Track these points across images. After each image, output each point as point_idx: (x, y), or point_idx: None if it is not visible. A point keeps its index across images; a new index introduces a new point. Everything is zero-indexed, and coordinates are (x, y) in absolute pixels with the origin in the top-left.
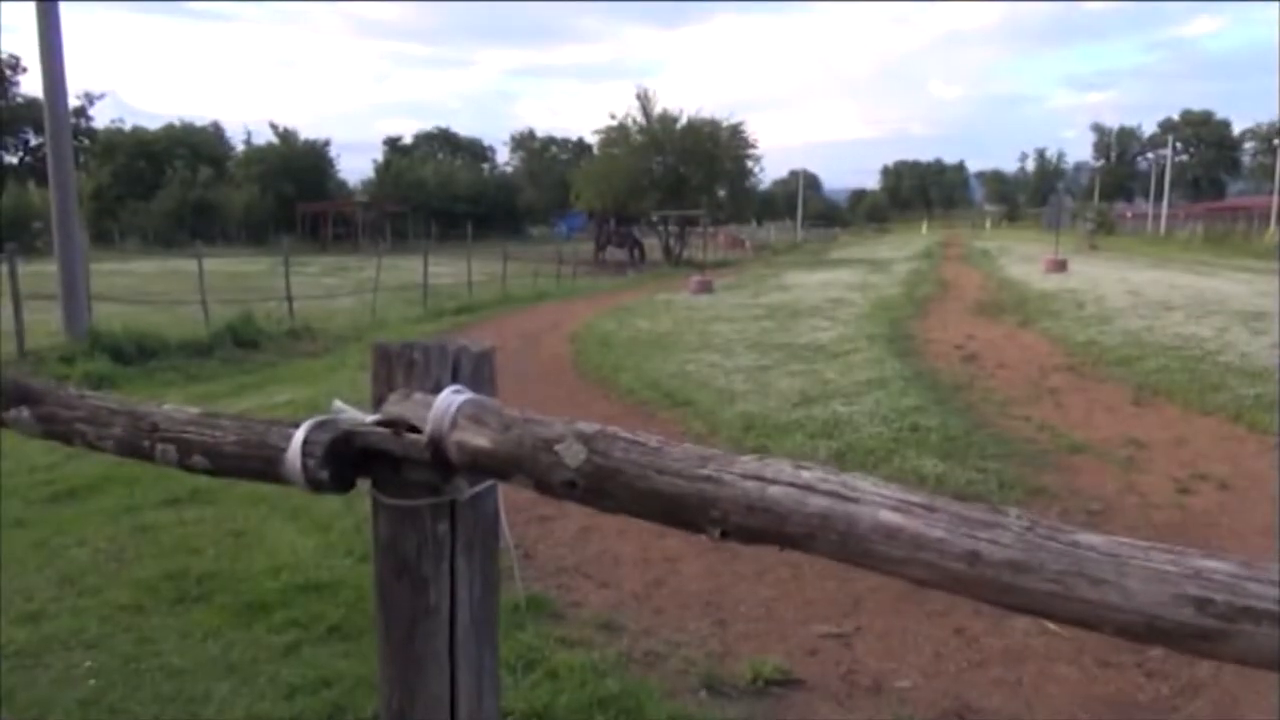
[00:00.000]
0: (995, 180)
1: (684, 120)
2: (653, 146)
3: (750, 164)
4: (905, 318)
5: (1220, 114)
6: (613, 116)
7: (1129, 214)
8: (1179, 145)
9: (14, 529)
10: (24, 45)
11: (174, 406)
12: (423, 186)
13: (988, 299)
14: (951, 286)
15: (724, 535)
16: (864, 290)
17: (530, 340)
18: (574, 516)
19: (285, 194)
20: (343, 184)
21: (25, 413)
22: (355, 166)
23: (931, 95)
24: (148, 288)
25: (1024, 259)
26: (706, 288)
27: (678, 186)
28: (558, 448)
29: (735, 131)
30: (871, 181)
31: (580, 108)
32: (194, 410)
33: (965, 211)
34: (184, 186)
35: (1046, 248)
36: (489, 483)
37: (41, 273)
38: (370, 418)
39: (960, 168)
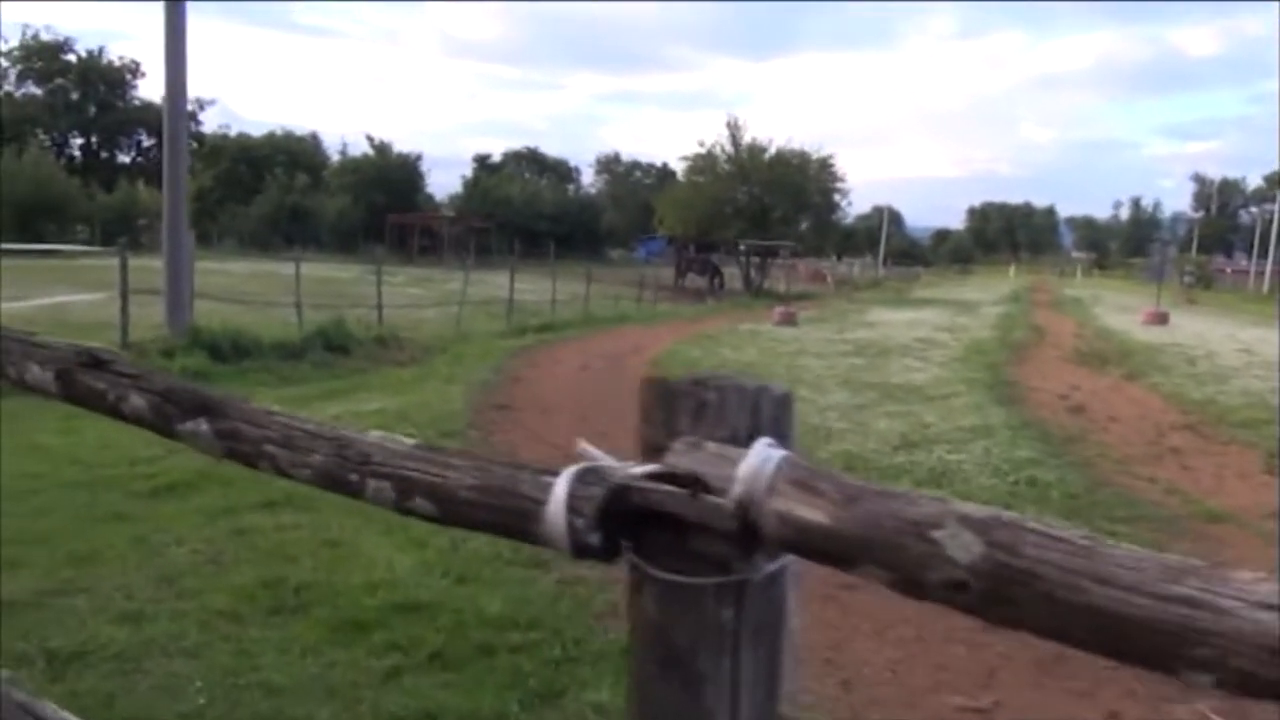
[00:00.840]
0: (1086, 226)
1: (772, 150)
2: (739, 175)
3: (837, 198)
4: (1001, 363)
5: None
6: (701, 144)
7: (1228, 269)
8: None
9: (114, 522)
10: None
11: (384, 435)
12: (509, 204)
13: (1087, 348)
14: (1046, 333)
15: (1219, 685)
16: (954, 332)
17: (614, 362)
18: None
19: (376, 204)
20: (430, 198)
21: (204, 426)
22: (442, 181)
23: (1021, 137)
24: (242, 288)
25: (1119, 309)
26: (790, 319)
27: (761, 217)
28: (936, 534)
29: (824, 164)
30: (955, 221)
31: (665, 134)
32: (410, 442)
33: (1052, 257)
34: (281, 192)
35: (1141, 299)
36: (786, 559)
37: (146, 267)
38: (641, 469)
39: (1050, 211)
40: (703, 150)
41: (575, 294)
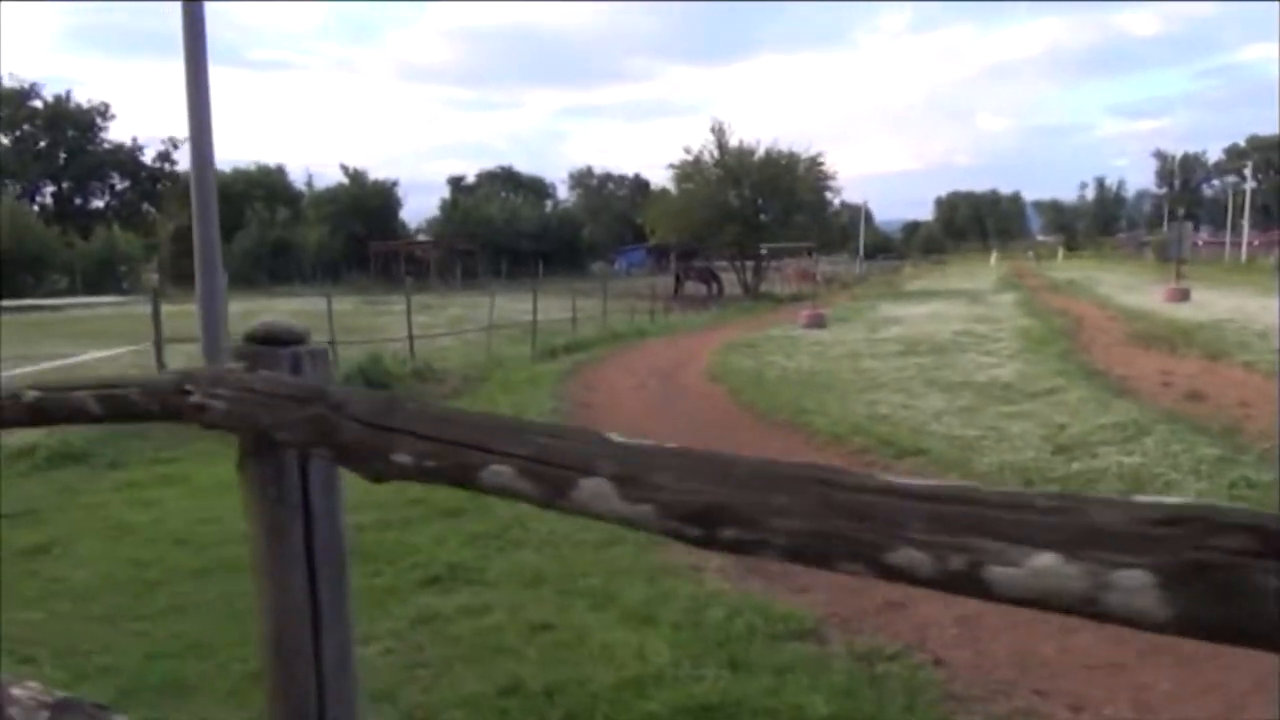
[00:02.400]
0: (1053, 209)
1: (761, 152)
2: (730, 179)
3: (829, 195)
4: (1069, 351)
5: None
6: (687, 150)
7: (1199, 242)
8: (1245, 172)
9: None
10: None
11: None
12: (490, 224)
13: (1139, 331)
14: (1078, 318)
15: None
16: (987, 323)
17: (666, 379)
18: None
19: (355, 233)
20: (403, 224)
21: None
22: (413, 207)
23: (977, 126)
24: (243, 328)
25: (1124, 289)
26: (819, 322)
27: (755, 220)
28: None
29: (814, 163)
30: (922, 212)
31: (629, 145)
32: None
33: (1021, 242)
34: (262, 227)
35: (1132, 278)
36: None
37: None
38: None
39: (1016, 197)
40: (690, 157)
41: (579, 310)
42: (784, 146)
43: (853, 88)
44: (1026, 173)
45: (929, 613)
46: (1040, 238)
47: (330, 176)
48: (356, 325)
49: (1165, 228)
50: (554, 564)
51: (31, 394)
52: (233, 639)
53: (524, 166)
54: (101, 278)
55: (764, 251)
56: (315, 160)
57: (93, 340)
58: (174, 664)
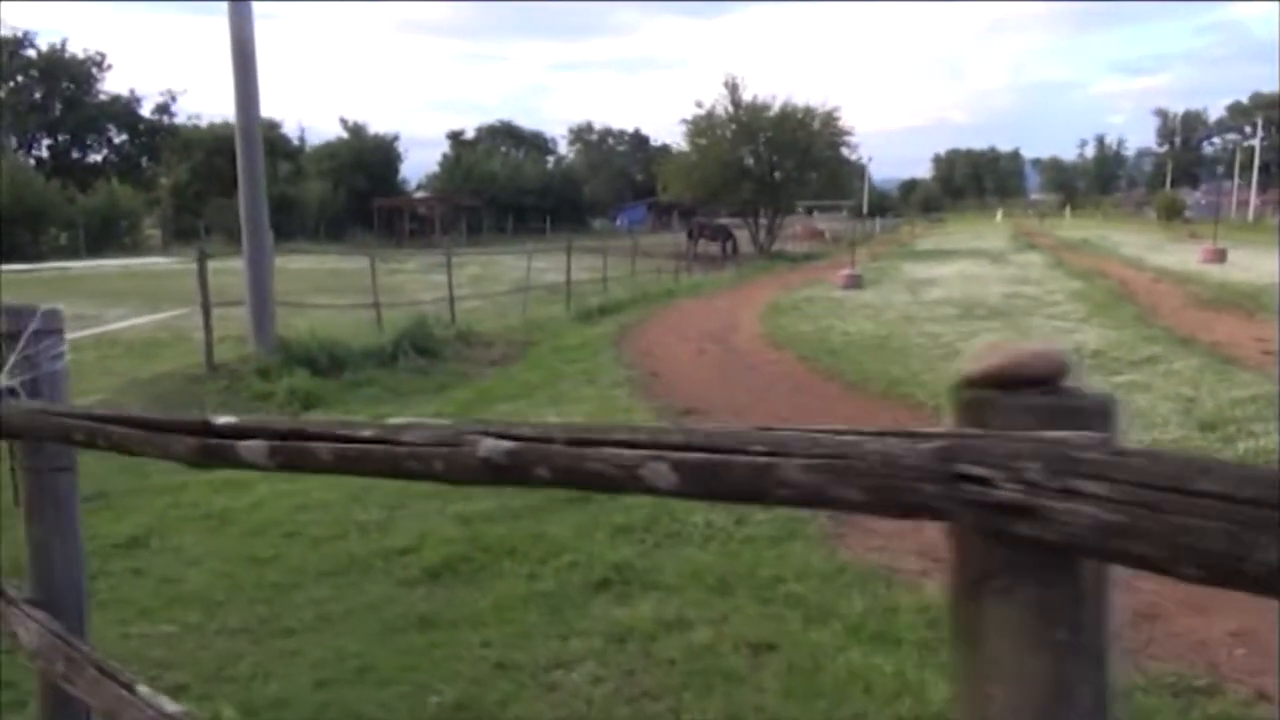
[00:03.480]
0: (1053, 168)
1: (776, 108)
2: (744, 136)
3: (846, 151)
4: (1139, 316)
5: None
6: (699, 105)
7: (1203, 201)
8: (1248, 129)
9: (425, 631)
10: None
11: None
12: (494, 180)
13: (1197, 295)
14: (1121, 280)
15: None
16: (1031, 284)
17: (724, 344)
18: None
19: (356, 189)
20: (403, 180)
21: None
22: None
23: (973, 83)
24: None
25: (1148, 249)
26: (857, 282)
27: (770, 177)
28: None
29: (829, 118)
30: (917, 170)
31: (619, 100)
32: None
33: (1019, 200)
34: (265, 182)
35: (1145, 238)
36: None
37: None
38: None
39: (1015, 155)
40: (702, 111)
41: (594, 269)
42: (798, 101)
43: (846, 42)
44: (1023, 130)
45: (1192, 626)
46: (1036, 196)
47: (321, 132)
48: (367, 286)
49: (1168, 186)
50: (730, 563)
51: (499, 445)
52: (402, 661)
53: (516, 121)
54: (104, 234)
55: (808, 210)
56: (305, 115)
57: (115, 300)
58: (350, 693)
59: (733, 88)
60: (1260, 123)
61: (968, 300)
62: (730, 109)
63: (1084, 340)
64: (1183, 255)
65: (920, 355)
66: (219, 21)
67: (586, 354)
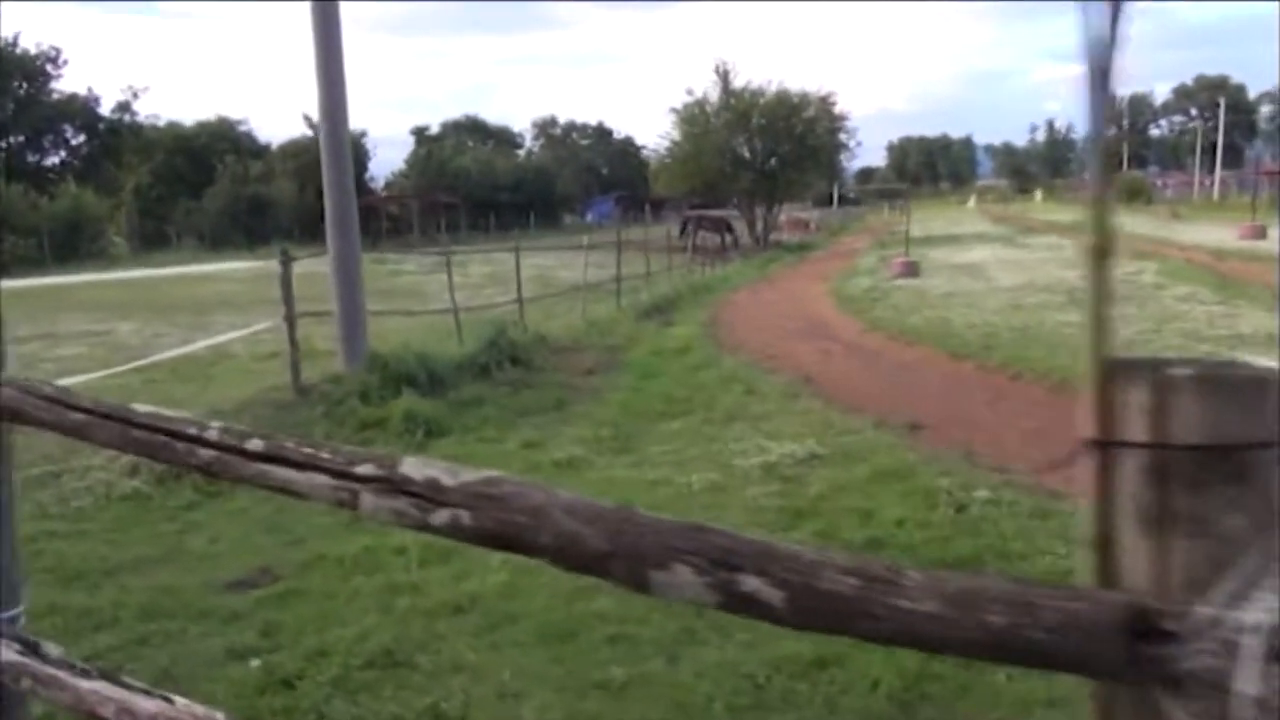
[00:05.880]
0: (1006, 153)
1: (770, 94)
2: (738, 124)
3: (844, 137)
4: (1259, 296)
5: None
6: (690, 92)
7: (1164, 183)
8: (1192, 111)
9: None
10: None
11: None
12: (466, 176)
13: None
14: (1187, 260)
15: None
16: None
17: (833, 339)
18: None
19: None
20: (370, 177)
21: None
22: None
23: (912, 72)
24: (270, 293)
25: (1159, 229)
26: (913, 270)
27: (765, 167)
28: None
29: (824, 103)
30: (871, 159)
31: (570, 93)
32: None
33: (972, 186)
34: (234, 183)
35: (1126, 217)
36: None
37: (133, 281)
38: None
39: (967, 142)
40: (692, 99)
41: (598, 265)
42: (791, 87)
43: (787, 34)
44: (964, 117)
45: None
46: (986, 182)
47: (274, 134)
48: (391, 288)
49: (1124, 169)
50: None
51: None
52: None
53: (471, 116)
54: (69, 242)
55: (854, 197)
56: (262, 112)
57: (121, 314)
58: None
59: (724, 74)
60: (1223, 104)
61: (1048, 285)
62: (722, 96)
63: (1235, 326)
64: (1211, 234)
65: (1061, 344)
66: (160, 22)
67: (698, 357)
